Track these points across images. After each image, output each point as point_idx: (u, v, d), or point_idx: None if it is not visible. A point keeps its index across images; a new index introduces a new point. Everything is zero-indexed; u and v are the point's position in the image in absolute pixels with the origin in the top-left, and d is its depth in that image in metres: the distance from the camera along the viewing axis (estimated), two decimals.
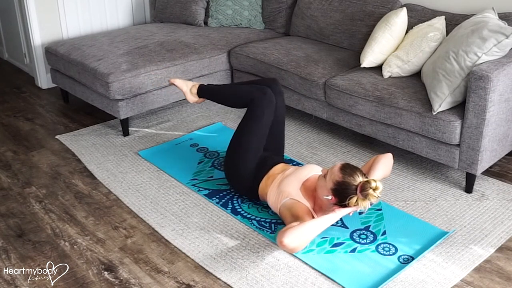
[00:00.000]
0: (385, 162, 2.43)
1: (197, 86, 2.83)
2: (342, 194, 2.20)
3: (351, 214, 2.34)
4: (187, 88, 2.85)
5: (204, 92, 2.82)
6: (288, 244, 2.06)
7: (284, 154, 2.96)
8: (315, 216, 2.30)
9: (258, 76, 3.60)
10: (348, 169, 2.22)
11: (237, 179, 2.61)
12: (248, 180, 2.56)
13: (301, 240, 2.09)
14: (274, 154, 2.69)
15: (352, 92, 2.98)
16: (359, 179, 2.19)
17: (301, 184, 2.39)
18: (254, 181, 2.55)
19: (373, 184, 2.15)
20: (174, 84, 2.92)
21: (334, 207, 2.26)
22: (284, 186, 2.39)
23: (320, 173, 2.39)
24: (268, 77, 2.79)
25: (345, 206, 2.23)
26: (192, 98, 2.85)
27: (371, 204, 2.25)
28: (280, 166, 2.58)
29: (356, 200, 2.18)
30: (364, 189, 2.16)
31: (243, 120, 2.61)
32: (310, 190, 2.37)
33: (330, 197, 2.23)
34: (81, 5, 4.30)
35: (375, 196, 2.16)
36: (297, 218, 2.23)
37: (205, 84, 2.88)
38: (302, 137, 3.36)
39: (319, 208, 2.33)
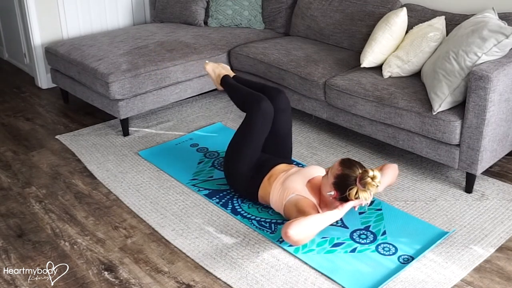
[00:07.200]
0: (391, 172, 2.47)
1: (221, 76, 2.89)
2: (343, 186, 2.24)
3: (356, 209, 2.36)
4: (215, 77, 2.92)
5: (224, 84, 2.87)
6: (293, 236, 2.09)
7: None
8: (320, 212, 2.32)
9: (258, 76, 3.61)
10: (347, 162, 2.28)
11: (236, 180, 2.62)
12: (247, 181, 2.57)
13: (306, 233, 2.12)
14: (279, 158, 2.70)
15: (352, 92, 2.98)
16: (358, 170, 2.23)
17: (306, 181, 2.42)
18: (253, 182, 2.55)
19: (370, 173, 2.19)
20: (205, 69, 2.98)
21: (337, 203, 2.29)
22: (290, 183, 2.41)
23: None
24: (278, 87, 2.80)
25: (346, 199, 2.26)
26: (219, 86, 2.92)
27: (371, 195, 2.26)
28: (282, 166, 2.59)
29: (357, 192, 2.21)
30: (362, 178, 2.19)
31: (241, 125, 2.65)
32: (316, 187, 2.40)
33: (332, 192, 2.27)
34: (81, 5, 4.29)
35: (374, 185, 2.19)
36: (303, 213, 2.25)
37: (230, 75, 2.91)
38: (302, 137, 3.36)
39: (324, 206, 2.36)
